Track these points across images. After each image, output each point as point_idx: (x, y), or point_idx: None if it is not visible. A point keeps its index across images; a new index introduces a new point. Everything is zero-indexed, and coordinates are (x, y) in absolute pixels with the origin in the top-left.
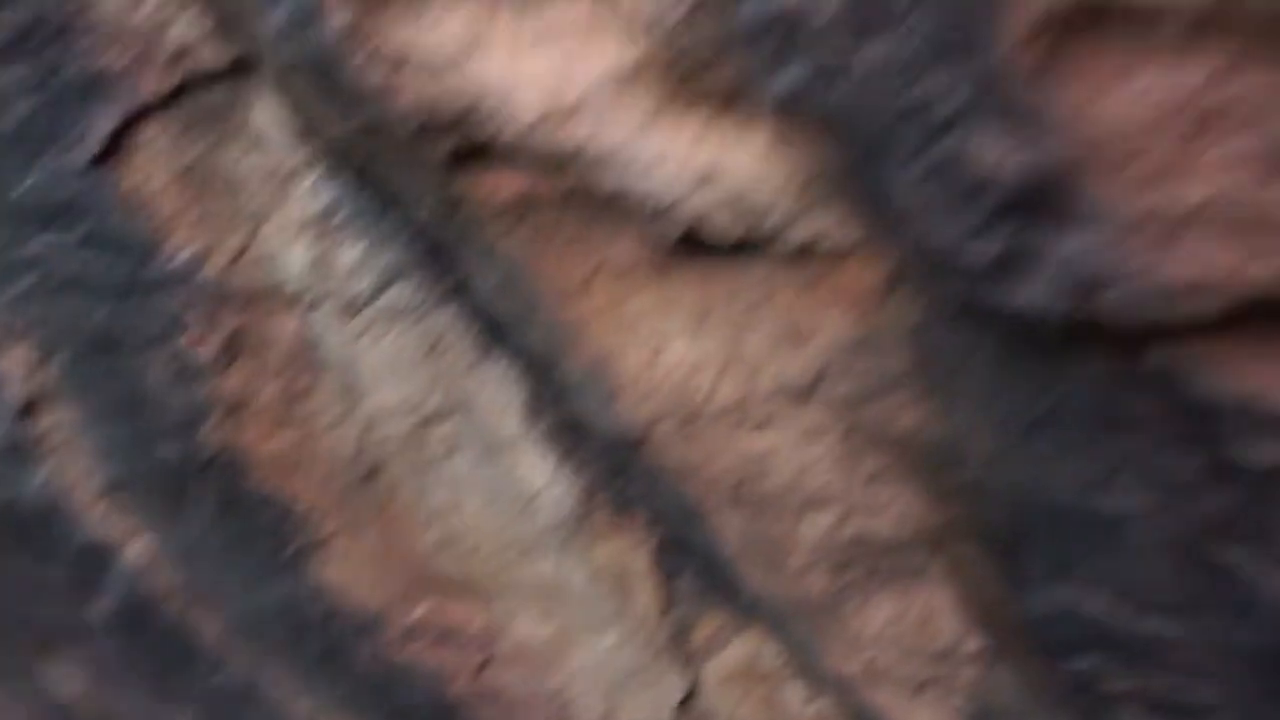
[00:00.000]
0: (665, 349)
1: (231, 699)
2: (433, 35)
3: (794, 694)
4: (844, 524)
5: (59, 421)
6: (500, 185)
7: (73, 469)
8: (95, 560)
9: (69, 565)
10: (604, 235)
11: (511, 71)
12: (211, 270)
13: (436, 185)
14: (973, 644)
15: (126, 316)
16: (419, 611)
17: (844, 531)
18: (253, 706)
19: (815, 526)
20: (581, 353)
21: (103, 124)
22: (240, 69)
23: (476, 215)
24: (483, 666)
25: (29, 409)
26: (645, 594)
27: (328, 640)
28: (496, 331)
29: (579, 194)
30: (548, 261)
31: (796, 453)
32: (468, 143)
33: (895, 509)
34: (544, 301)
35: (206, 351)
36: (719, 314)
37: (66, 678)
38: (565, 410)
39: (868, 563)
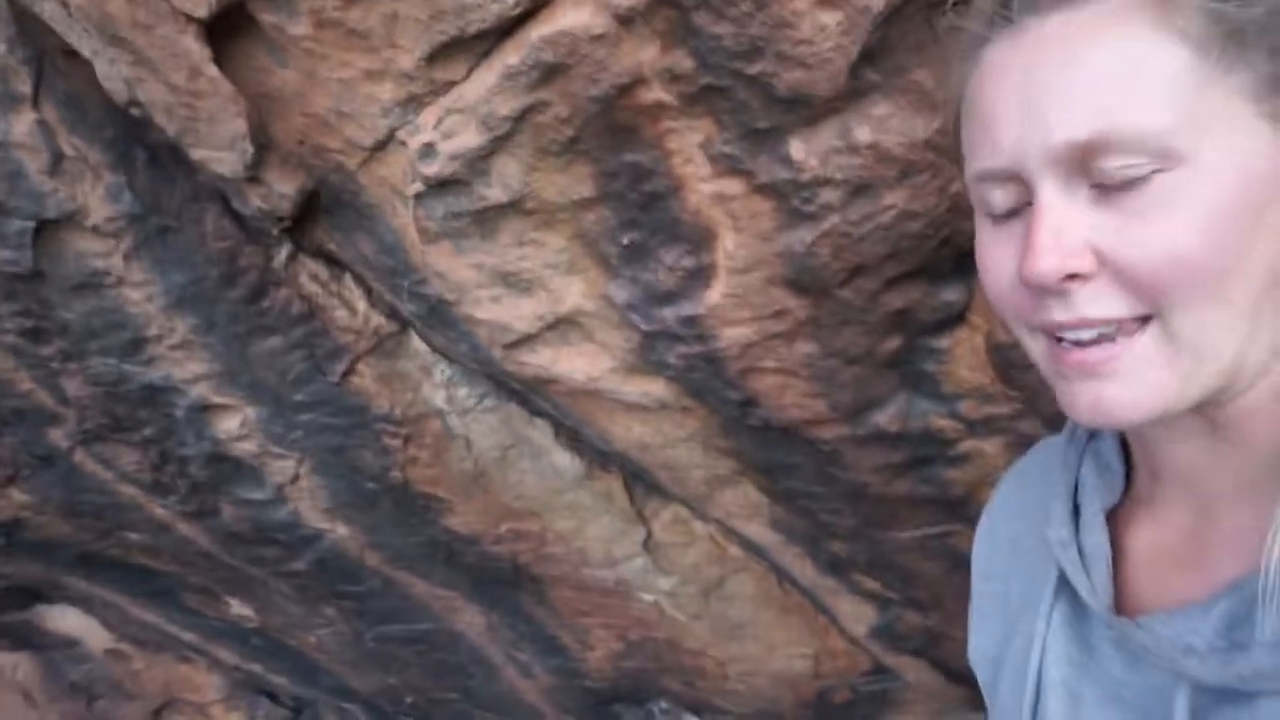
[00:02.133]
0: None
1: (375, 594)
2: None
3: (700, 528)
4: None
5: (305, 486)
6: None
7: (310, 503)
8: (308, 540)
9: (286, 546)
10: None
11: None
12: (396, 410)
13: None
14: None
15: (352, 438)
16: (502, 529)
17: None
18: (391, 591)
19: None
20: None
21: (341, 366)
22: (403, 328)
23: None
24: (539, 546)
25: (284, 487)
26: (621, 498)
27: (449, 552)
28: (534, 406)
29: None
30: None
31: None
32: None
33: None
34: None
35: (395, 444)
36: None
37: (241, 606)
38: (571, 431)
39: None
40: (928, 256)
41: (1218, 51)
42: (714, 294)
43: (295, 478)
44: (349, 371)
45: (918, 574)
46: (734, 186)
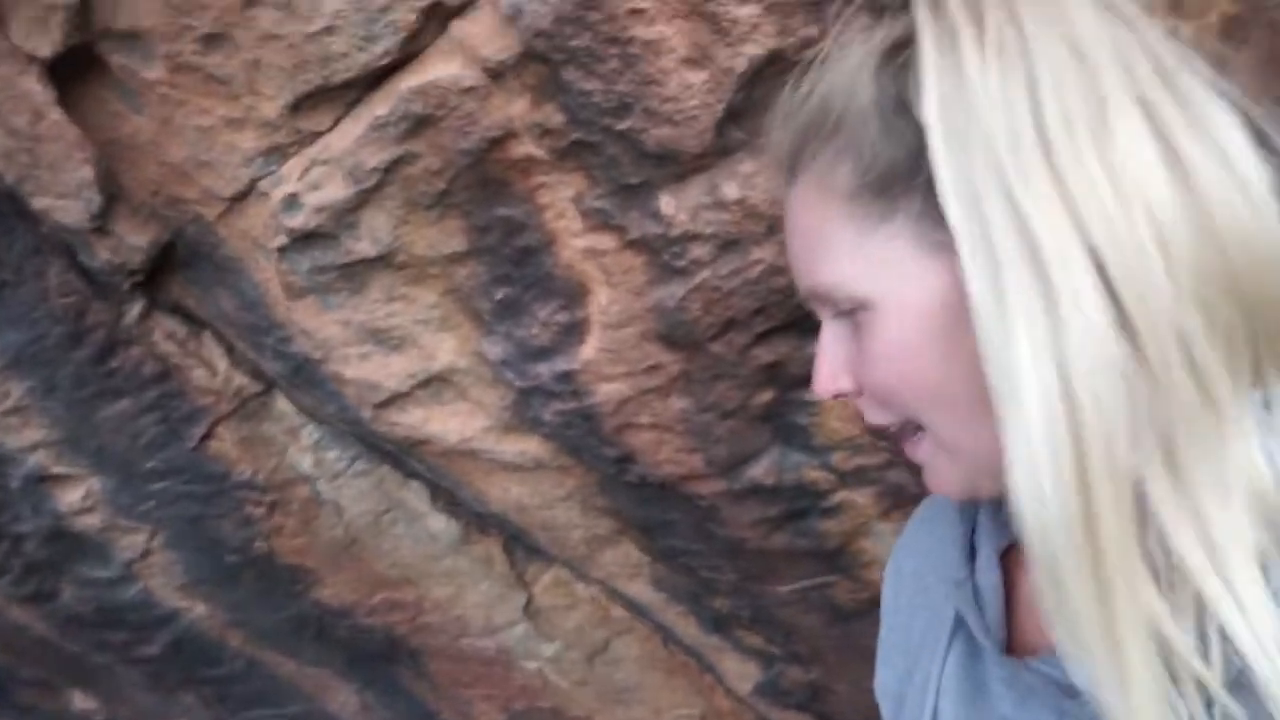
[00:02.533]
0: None
1: (238, 677)
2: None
3: (582, 590)
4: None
5: (157, 562)
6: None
7: (163, 580)
8: (161, 621)
9: (136, 629)
10: None
11: None
12: (260, 476)
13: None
14: None
15: (211, 507)
16: (376, 599)
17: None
18: (257, 673)
19: (567, 534)
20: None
21: (199, 429)
22: (268, 388)
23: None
24: (415, 616)
25: (134, 563)
26: (501, 563)
27: (320, 626)
28: (408, 468)
29: None
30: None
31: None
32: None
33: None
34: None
35: (258, 512)
36: None
37: (85, 699)
38: (447, 493)
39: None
40: (795, 311)
41: (869, 201)
42: (588, 349)
43: (146, 553)
44: (207, 435)
45: (798, 627)
46: (606, 241)
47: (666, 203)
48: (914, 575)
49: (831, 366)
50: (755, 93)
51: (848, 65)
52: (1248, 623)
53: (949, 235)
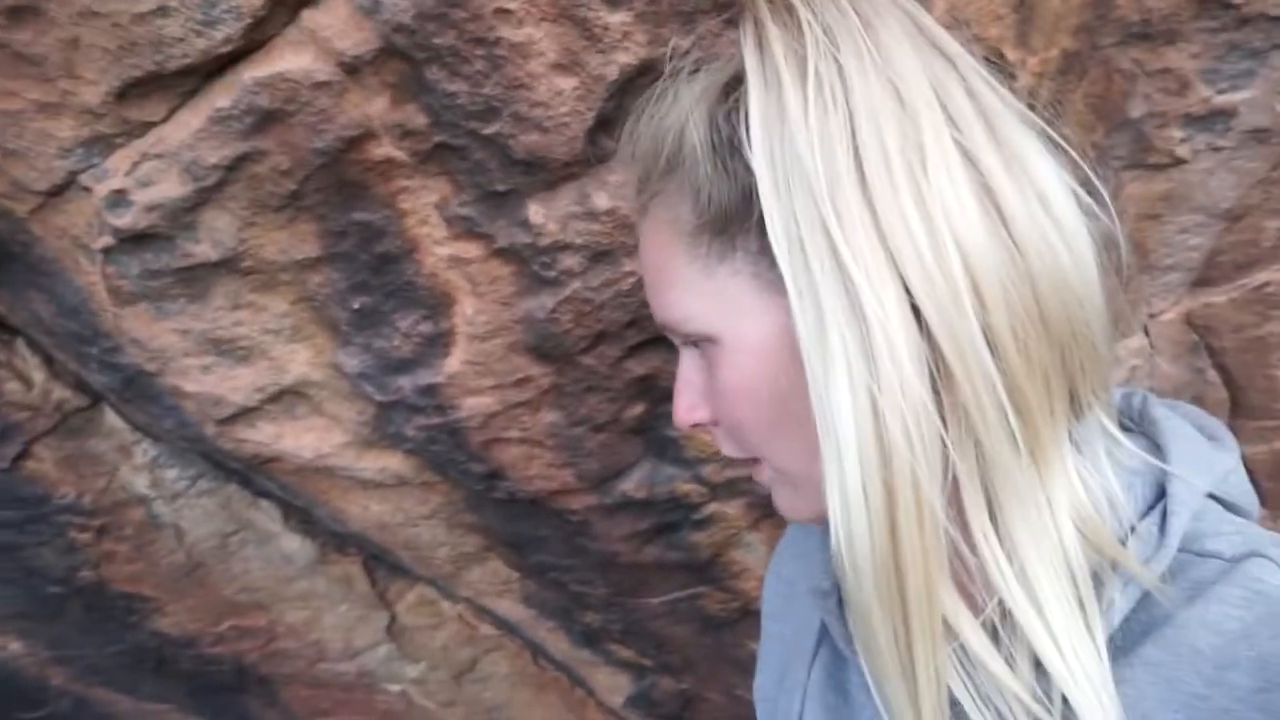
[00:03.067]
0: None
1: (64, 717)
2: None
3: (448, 608)
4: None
5: None
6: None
7: None
8: None
9: None
10: None
11: None
12: (86, 499)
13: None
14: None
15: (27, 534)
16: (223, 627)
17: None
18: (86, 713)
19: (433, 553)
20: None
21: (12, 449)
22: (95, 402)
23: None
24: (268, 643)
25: None
26: (361, 582)
27: (159, 659)
28: (257, 487)
29: None
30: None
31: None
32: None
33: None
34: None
35: (85, 538)
36: None
37: None
38: (302, 512)
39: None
40: None
41: (709, 240)
42: (453, 361)
43: None
44: (23, 455)
45: (670, 639)
46: (472, 250)
47: (535, 211)
48: (789, 582)
49: (689, 397)
50: (627, 101)
51: (683, 104)
52: (1065, 661)
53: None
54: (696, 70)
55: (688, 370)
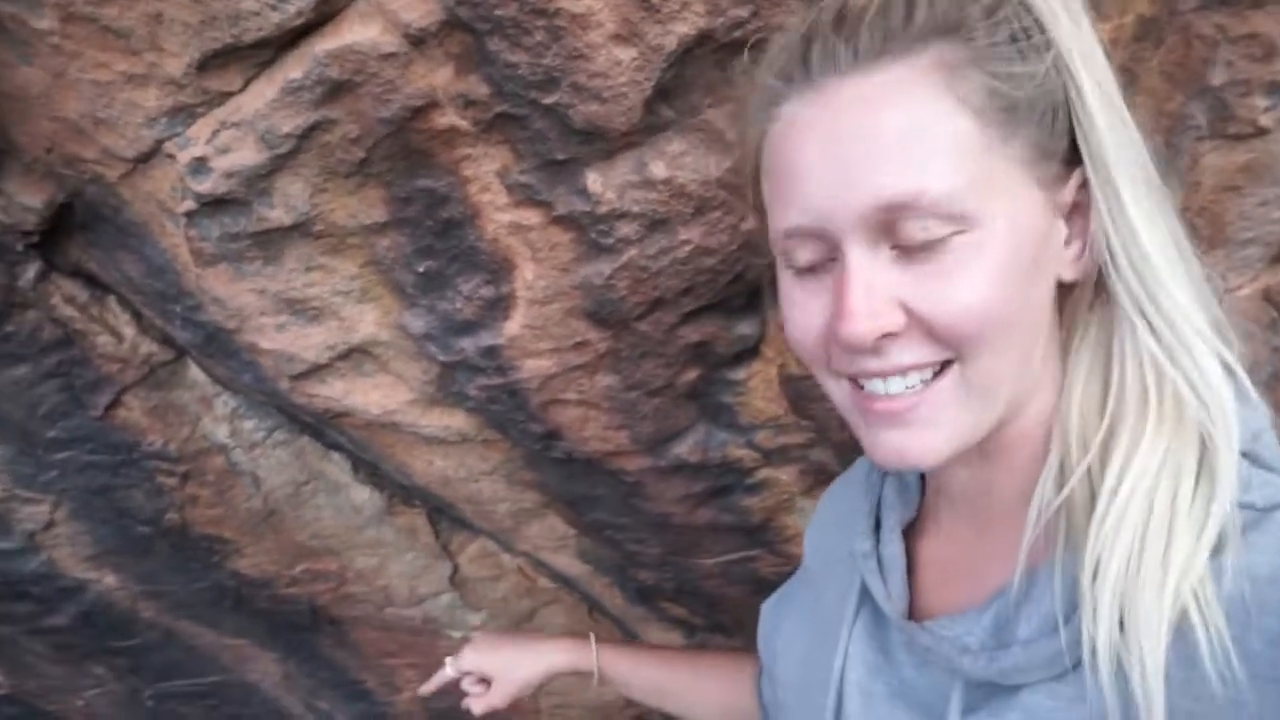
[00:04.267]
0: None
1: (153, 647)
2: None
3: (508, 561)
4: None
5: (62, 533)
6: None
7: (69, 551)
8: (68, 593)
9: (41, 601)
10: None
11: None
12: (172, 446)
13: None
14: None
15: (119, 477)
16: (297, 570)
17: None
18: (173, 644)
19: (493, 508)
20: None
21: (104, 398)
22: (179, 355)
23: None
24: (338, 586)
25: (36, 534)
26: (426, 534)
27: (239, 597)
28: (329, 440)
29: None
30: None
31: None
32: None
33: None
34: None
35: (170, 482)
36: None
37: None
38: (370, 465)
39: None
40: (722, 291)
41: (997, 123)
42: (514, 325)
43: (50, 524)
44: (114, 404)
45: (721, 599)
46: (532, 216)
47: (593, 180)
48: (826, 548)
49: (873, 301)
50: (686, 71)
51: None
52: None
53: (1056, 168)
54: None
55: (870, 270)
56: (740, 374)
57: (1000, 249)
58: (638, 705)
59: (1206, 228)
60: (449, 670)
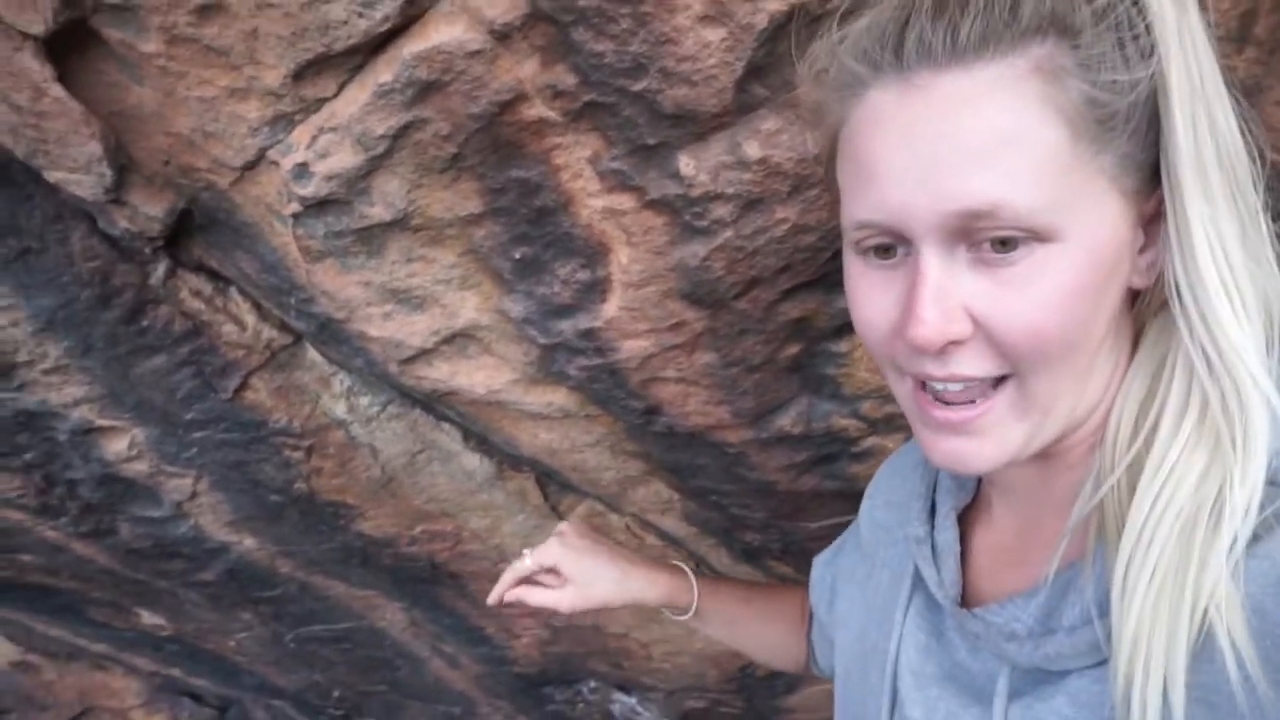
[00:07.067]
0: None
1: (292, 598)
2: None
3: (616, 520)
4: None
5: (205, 502)
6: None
7: (212, 518)
8: (214, 553)
9: (191, 559)
10: None
11: None
12: (296, 423)
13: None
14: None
15: (251, 452)
16: (416, 530)
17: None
18: (309, 595)
19: (599, 475)
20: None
21: (232, 382)
22: (297, 339)
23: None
24: (455, 545)
25: (183, 503)
26: (535, 496)
27: (365, 555)
28: (439, 413)
29: None
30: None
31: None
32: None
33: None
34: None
35: (297, 455)
36: None
37: (152, 616)
38: (479, 436)
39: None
40: (823, 267)
41: (1090, 136)
42: (610, 307)
43: (193, 494)
44: (242, 387)
45: None
46: (625, 202)
47: (686, 163)
48: (883, 527)
49: (946, 307)
50: (778, 48)
51: None
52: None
53: (1144, 178)
54: None
55: (944, 276)
56: (843, 346)
57: (1076, 266)
58: (742, 657)
59: None
60: (528, 562)
